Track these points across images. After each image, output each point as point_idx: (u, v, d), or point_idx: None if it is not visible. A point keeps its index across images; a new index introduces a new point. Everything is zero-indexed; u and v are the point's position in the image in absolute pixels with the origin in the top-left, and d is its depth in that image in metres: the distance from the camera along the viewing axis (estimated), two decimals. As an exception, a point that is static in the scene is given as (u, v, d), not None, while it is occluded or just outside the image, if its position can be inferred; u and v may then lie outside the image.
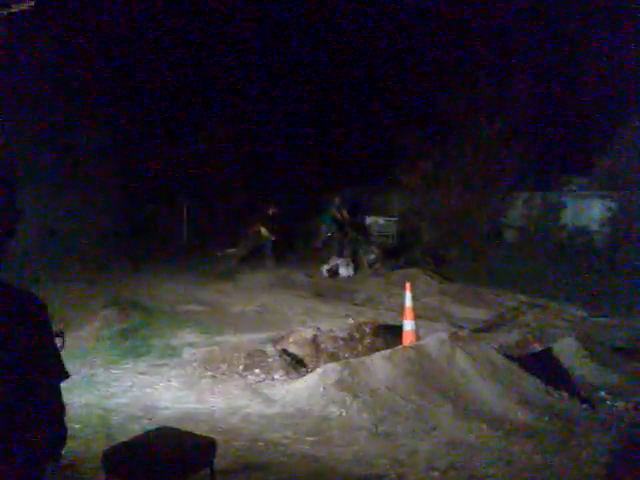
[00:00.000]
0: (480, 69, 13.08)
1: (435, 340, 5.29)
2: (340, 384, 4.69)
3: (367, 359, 5.05)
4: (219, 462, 3.52)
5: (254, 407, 4.62)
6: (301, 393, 4.76)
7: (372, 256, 12.69)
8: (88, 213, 12.41)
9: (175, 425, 4.04)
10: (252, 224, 13.18)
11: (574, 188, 14.19)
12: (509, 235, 14.39)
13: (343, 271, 11.60)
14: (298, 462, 3.62)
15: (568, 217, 13.28)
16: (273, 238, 12.59)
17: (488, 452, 3.92)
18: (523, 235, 13.66)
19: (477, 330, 7.61)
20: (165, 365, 5.66)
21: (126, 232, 14.06)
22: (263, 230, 12.75)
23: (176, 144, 16.84)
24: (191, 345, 6.45)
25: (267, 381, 5.29)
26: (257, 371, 5.45)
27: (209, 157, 17.42)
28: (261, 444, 3.86)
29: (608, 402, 5.11)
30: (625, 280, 9.88)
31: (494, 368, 5.12)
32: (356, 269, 11.87)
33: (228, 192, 17.52)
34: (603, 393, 5.29)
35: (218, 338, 6.80)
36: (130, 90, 15.35)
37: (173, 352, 6.12)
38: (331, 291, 10.57)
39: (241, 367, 5.51)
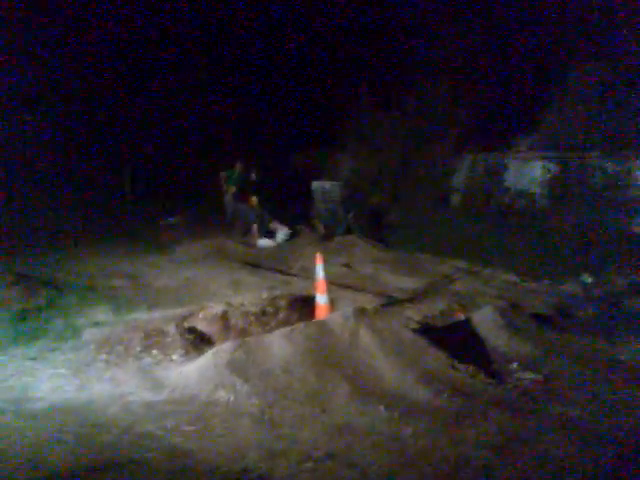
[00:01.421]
0: (423, 28, 12.72)
1: (339, 316, 5.05)
2: (232, 366, 4.42)
3: (265, 337, 4.79)
4: (75, 463, 3.24)
5: (140, 394, 4.32)
6: (192, 376, 4.49)
7: (323, 230, 12.52)
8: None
9: (42, 419, 3.75)
10: (245, 195, 12.35)
11: (520, 149, 14.02)
12: (455, 199, 14.22)
13: (280, 235, 11.33)
14: (163, 458, 3.34)
15: (511, 179, 13.12)
16: (259, 211, 12.00)
17: (376, 436, 3.71)
18: (467, 199, 13.50)
19: (403, 300, 7.43)
20: (59, 349, 5.31)
21: (58, 201, 13.52)
22: (254, 200, 12.12)
23: (123, 104, 16.14)
24: (97, 325, 6.10)
25: (164, 363, 5.00)
26: (155, 352, 5.15)
27: (157, 120, 16.79)
28: (129, 438, 3.57)
29: (517, 374, 4.96)
30: (561, 243, 9.80)
31: (400, 344, 4.91)
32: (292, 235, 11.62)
33: (176, 158, 16.98)
34: (514, 365, 5.14)
35: (128, 316, 6.46)
36: (78, 49, 14.57)
37: (73, 334, 5.75)
38: (266, 261, 10.29)
39: (138, 348, 5.20)
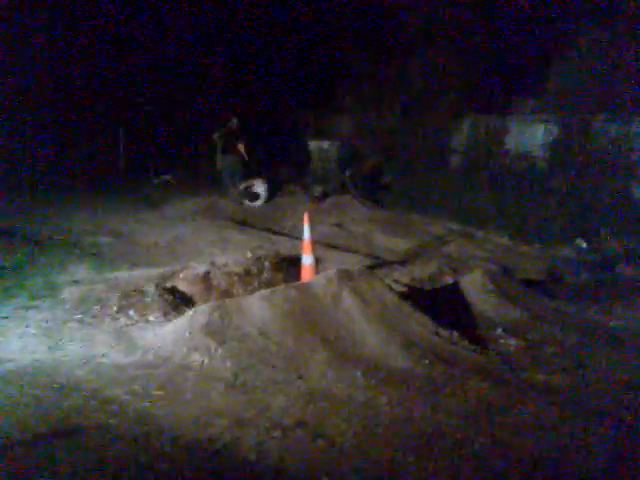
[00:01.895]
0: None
1: (322, 278, 4.90)
2: (208, 328, 4.29)
3: (244, 300, 4.65)
4: (37, 428, 3.14)
5: (112, 355, 4.20)
6: (167, 338, 4.36)
7: (318, 190, 12.19)
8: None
9: (7, 381, 3.64)
10: (232, 141, 11.58)
11: (522, 111, 13.64)
12: (454, 161, 13.92)
13: (261, 191, 11.05)
14: (128, 424, 3.23)
15: (512, 142, 12.79)
16: (246, 158, 11.53)
17: (351, 405, 3.60)
18: (466, 160, 13.21)
19: (393, 261, 7.30)
20: (35, 307, 5.17)
21: (48, 157, 13.24)
22: (241, 146, 11.50)
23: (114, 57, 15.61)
24: (76, 283, 5.94)
25: (141, 324, 4.86)
26: (131, 313, 5.02)
27: (151, 76, 16.30)
28: (95, 403, 3.45)
29: (502, 341, 4.85)
30: (558, 207, 9.60)
31: (384, 308, 4.77)
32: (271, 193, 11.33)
33: (170, 116, 16.56)
34: (500, 330, 5.02)
35: (110, 274, 6.31)
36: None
37: (51, 292, 5.61)
38: (257, 220, 10.13)
39: (115, 308, 5.07)
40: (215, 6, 15.90)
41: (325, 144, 14.21)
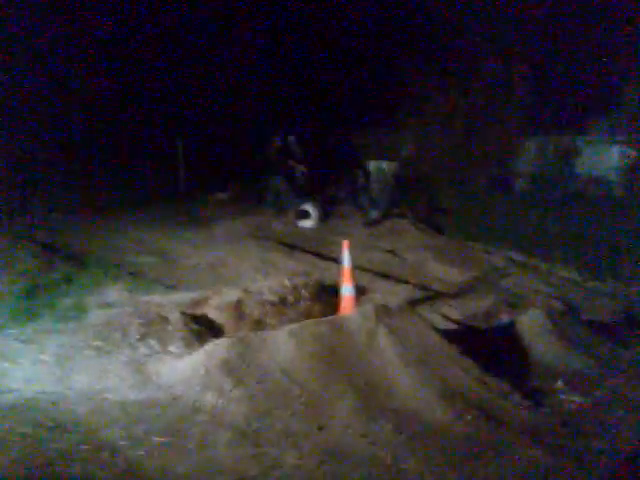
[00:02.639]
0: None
1: (357, 314, 4.43)
2: (226, 365, 3.89)
3: (269, 335, 4.23)
4: (9, 474, 2.81)
5: (120, 391, 3.86)
6: (183, 374, 3.99)
7: (374, 213, 11.69)
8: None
9: (6, 414, 3.36)
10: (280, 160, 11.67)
11: (596, 132, 12.76)
12: (520, 185, 13.16)
13: (310, 211, 10.67)
14: (115, 477, 2.85)
15: (584, 165, 11.97)
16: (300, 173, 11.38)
17: (372, 466, 3.10)
18: (533, 184, 12.44)
19: (444, 294, 6.72)
20: (56, 331, 4.93)
21: (108, 176, 13.34)
22: (295, 165, 11.43)
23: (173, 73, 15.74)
24: (107, 306, 5.71)
25: (160, 355, 4.52)
26: (152, 342, 4.68)
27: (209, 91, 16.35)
28: (86, 447, 3.10)
29: (562, 396, 4.21)
30: (635, 238, 8.73)
31: (424, 351, 4.25)
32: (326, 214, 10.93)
33: (230, 130, 16.54)
34: (560, 383, 4.38)
35: (143, 298, 6.04)
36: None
37: (79, 314, 5.39)
38: (307, 242, 9.72)
39: (137, 336, 4.75)
40: (276, 22, 15.83)
41: (384, 164, 13.75)
